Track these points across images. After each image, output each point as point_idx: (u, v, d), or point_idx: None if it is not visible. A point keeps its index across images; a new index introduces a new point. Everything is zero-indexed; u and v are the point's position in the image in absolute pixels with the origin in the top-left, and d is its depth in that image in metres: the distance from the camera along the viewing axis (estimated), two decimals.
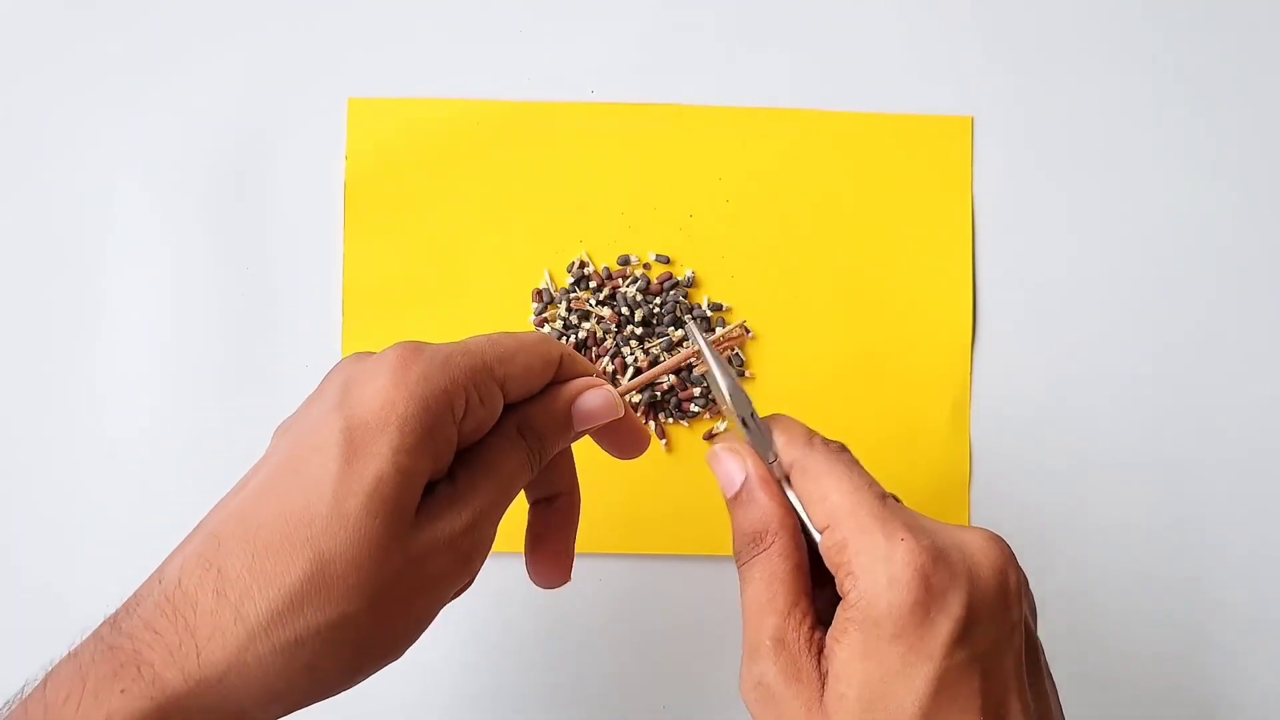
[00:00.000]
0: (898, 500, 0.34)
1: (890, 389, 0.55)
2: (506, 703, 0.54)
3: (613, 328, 0.54)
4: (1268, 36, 0.57)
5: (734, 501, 0.34)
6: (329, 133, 0.55)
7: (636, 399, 0.54)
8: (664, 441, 0.54)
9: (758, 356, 0.55)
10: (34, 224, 0.55)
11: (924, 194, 0.56)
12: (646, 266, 0.55)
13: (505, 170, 0.55)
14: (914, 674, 0.29)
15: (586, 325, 0.54)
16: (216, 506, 0.31)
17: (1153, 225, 0.56)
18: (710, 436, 0.54)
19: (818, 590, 0.33)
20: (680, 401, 0.54)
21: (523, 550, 0.53)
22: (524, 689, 0.54)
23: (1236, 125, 0.57)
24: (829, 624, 0.31)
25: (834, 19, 0.56)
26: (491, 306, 0.55)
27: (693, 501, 0.54)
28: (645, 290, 0.54)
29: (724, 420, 0.54)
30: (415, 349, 0.32)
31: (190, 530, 0.31)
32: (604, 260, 0.55)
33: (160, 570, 0.30)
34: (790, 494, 0.34)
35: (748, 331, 0.55)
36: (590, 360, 0.54)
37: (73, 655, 0.28)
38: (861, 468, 0.33)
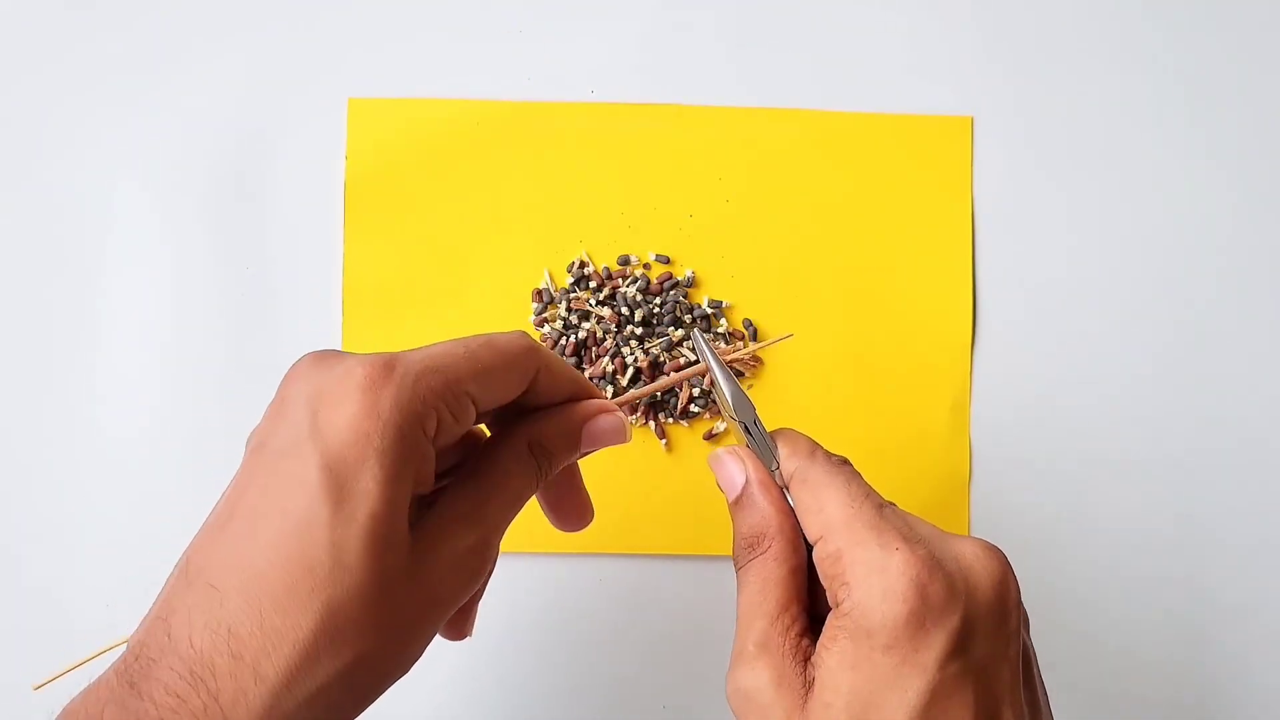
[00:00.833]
0: (896, 508, 0.34)
1: (890, 389, 0.55)
2: (506, 703, 0.54)
3: (613, 328, 0.54)
4: (1268, 36, 0.57)
5: (734, 505, 0.34)
6: (329, 133, 0.55)
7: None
8: (664, 441, 0.54)
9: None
10: (34, 224, 0.55)
11: (924, 194, 0.56)
12: (646, 266, 0.55)
13: (505, 170, 0.55)
14: (906, 686, 0.29)
15: (586, 325, 0.54)
16: (203, 539, 0.30)
17: (1153, 225, 0.56)
18: (711, 436, 0.54)
19: (815, 602, 0.33)
20: (679, 403, 0.54)
21: (522, 550, 0.53)
22: (524, 689, 0.54)
23: (1236, 125, 0.57)
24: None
25: (834, 19, 0.56)
26: (491, 306, 0.55)
27: (693, 501, 0.54)
28: (645, 290, 0.54)
29: (724, 420, 0.54)
30: (385, 367, 0.30)
31: (184, 541, 0.30)
32: (604, 260, 0.55)
33: (163, 620, 0.29)
34: (791, 502, 0.34)
35: (759, 360, 0.55)
36: (590, 361, 0.54)
37: (94, 718, 0.28)
38: (862, 480, 0.33)
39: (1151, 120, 0.57)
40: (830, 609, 0.31)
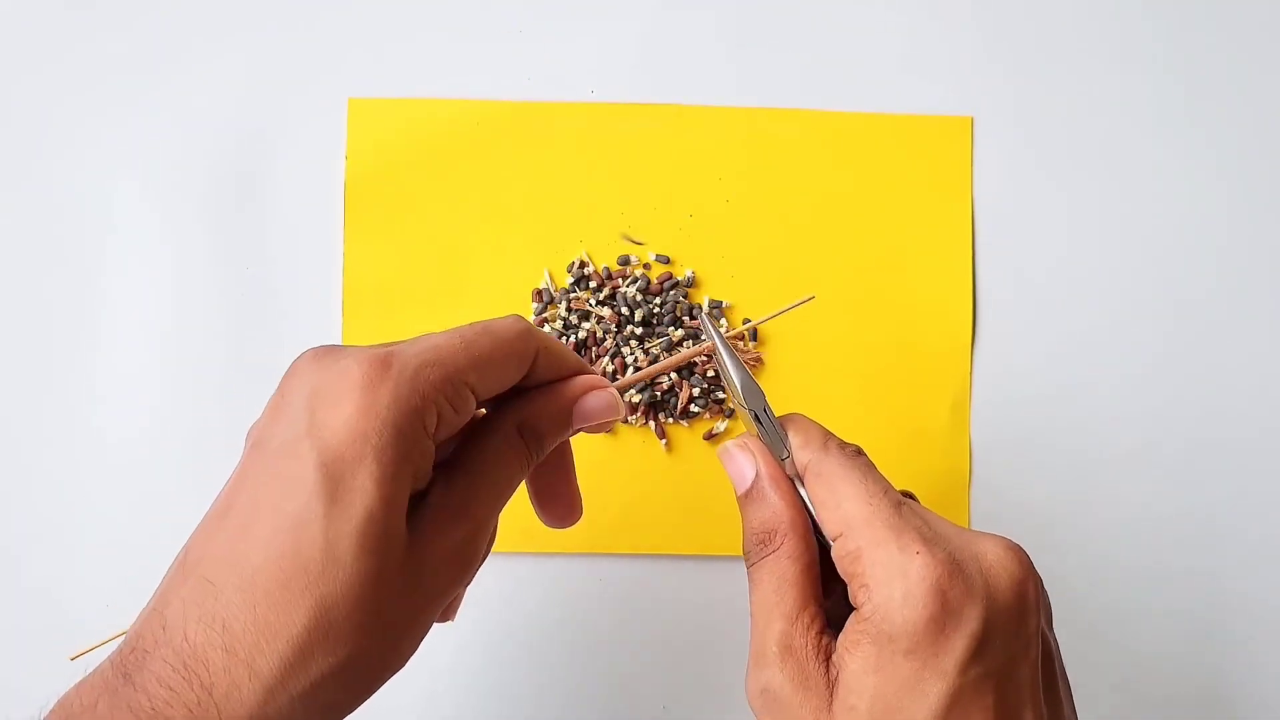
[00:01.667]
0: (915, 500, 0.34)
1: (890, 388, 0.55)
2: (506, 703, 0.54)
3: (613, 328, 0.54)
4: (1268, 36, 0.57)
5: (745, 499, 0.34)
6: (329, 133, 0.55)
7: (636, 399, 0.54)
8: (664, 441, 0.54)
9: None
10: (34, 224, 0.55)
11: (924, 194, 0.56)
12: (646, 266, 0.55)
13: (505, 170, 0.55)
14: (927, 690, 0.29)
15: (586, 325, 0.54)
16: (201, 534, 0.30)
17: (1153, 224, 0.56)
18: (711, 436, 0.54)
19: (828, 593, 0.33)
20: (679, 403, 0.54)
21: (522, 550, 0.53)
22: (524, 689, 0.54)
23: (1236, 125, 0.57)
24: (838, 628, 0.31)
25: (834, 19, 0.56)
26: (491, 306, 0.55)
27: (693, 501, 0.54)
28: (645, 290, 0.54)
29: (723, 420, 0.54)
30: (382, 364, 0.30)
31: (181, 541, 0.30)
32: (604, 260, 0.55)
33: (159, 612, 0.29)
34: (803, 493, 0.33)
35: (759, 360, 0.55)
36: (590, 361, 0.54)
37: (88, 708, 0.28)
38: (877, 473, 0.33)
39: (1151, 120, 0.57)
40: (843, 602, 0.31)
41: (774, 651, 0.31)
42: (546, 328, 0.55)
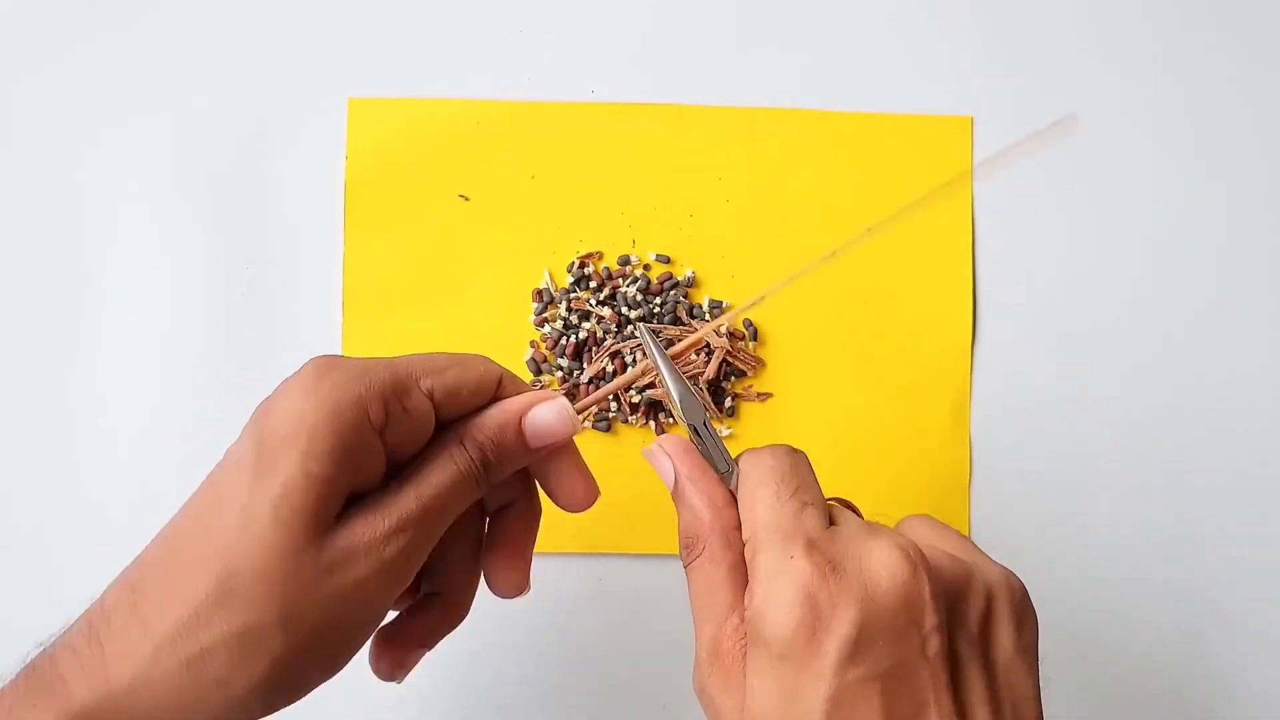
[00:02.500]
0: (853, 509, 0.34)
1: (890, 389, 0.55)
2: (506, 703, 0.54)
3: (613, 328, 0.54)
4: (1268, 36, 0.57)
5: (674, 499, 0.34)
6: (329, 133, 0.55)
7: (636, 399, 0.54)
8: None
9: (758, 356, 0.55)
10: (34, 224, 0.55)
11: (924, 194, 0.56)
12: (646, 267, 0.55)
13: (505, 170, 0.55)
14: (807, 694, 0.28)
15: (586, 325, 0.54)
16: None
17: (1152, 225, 0.56)
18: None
19: None
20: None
21: None
22: (523, 689, 0.54)
23: (1236, 126, 0.57)
24: None
25: (834, 19, 0.56)
26: (491, 306, 0.55)
27: None
28: (645, 290, 0.54)
29: (726, 428, 0.54)
30: (330, 362, 0.31)
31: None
32: (604, 260, 0.55)
33: (110, 588, 0.30)
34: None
35: (760, 361, 0.54)
36: (590, 360, 0.54)
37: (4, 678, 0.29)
38: (803, 474, 0.32)
39: (1151, 120, 0.57)
40: None
41: (704, 656, 0.32)
42: (546, 327, 0.55)
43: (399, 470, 0.33)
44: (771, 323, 0.55)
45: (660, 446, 0.34)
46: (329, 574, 0.30)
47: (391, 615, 0.37)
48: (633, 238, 0.55)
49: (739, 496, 0.33)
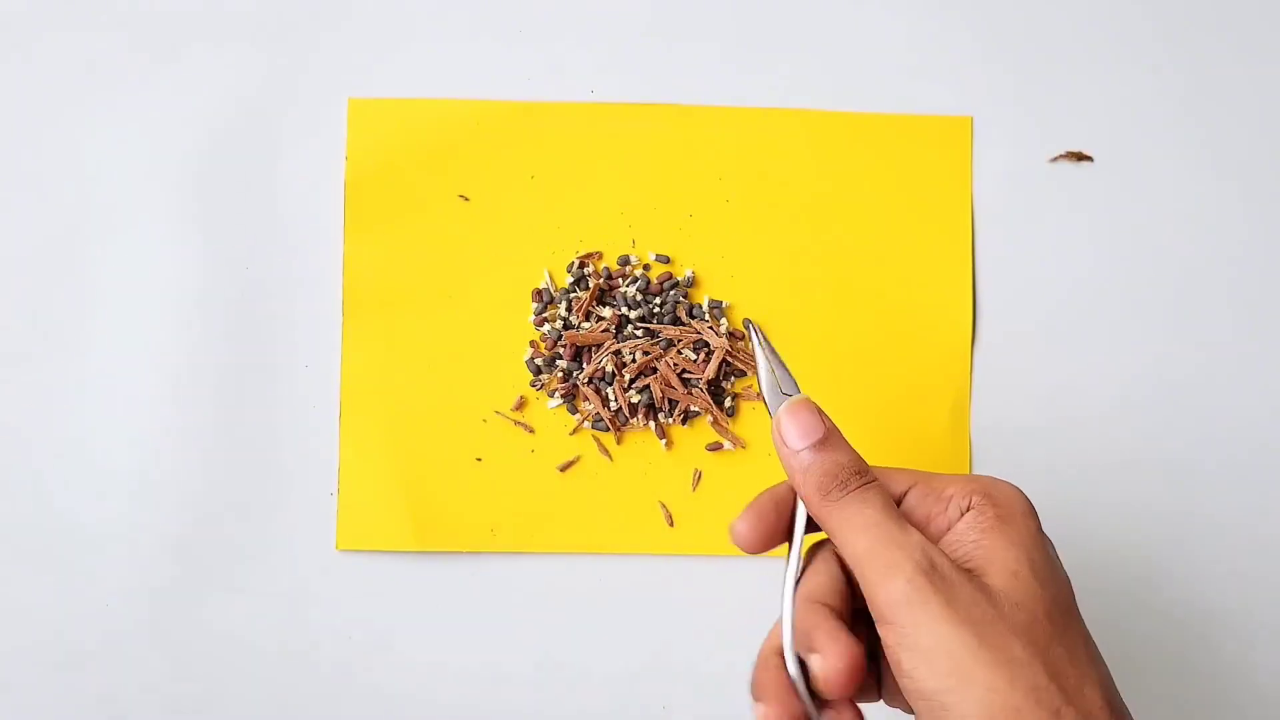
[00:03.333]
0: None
1: (890, 389, 0.55)
2: (505, 703, 0.54)
3: (613, 328, 0.54)
4: (1268, 37, 0.57)
5: (820, 445, 0.36)
6: (329, 133, 0.55)
7: (636, 399, 0.54)
8: (664, 441, 0.54)
9: None
10: (32, 224, 0.55)
11: (924, 194, 0.56)
12: (646, 267, 0.55)
13: (505, 170, 0.55)
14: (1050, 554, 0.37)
15: (586, 325, 0.54)
16: None
17: (1153, 225, 0.56)
18: (715, 448, 0.54)
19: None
20: (680, 404, 0.54)
21: (522, 549, 0.53)
22: (523, 688, 0.54)
23: (1237, 125, 0.57)
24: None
25: (834, 19, 0.56)
26: (491, 306, 0.55)
27: (694, 501, 0.54)
28: (645, 290, 0.54)
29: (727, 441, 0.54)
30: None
31: None
32: (603, 260, 0.55)
33: None
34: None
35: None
36: (589, 359, 0.54)
37: None
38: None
39: (1151, 120, 0.57)
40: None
41: (919, 542, 0.33)
42: (546, 327, 0.55)
43: None
44: (771, 323, 0.55)
45: (808, 403, 0.37)
46: None
47: None
48: (632, 238, 0.55)
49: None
